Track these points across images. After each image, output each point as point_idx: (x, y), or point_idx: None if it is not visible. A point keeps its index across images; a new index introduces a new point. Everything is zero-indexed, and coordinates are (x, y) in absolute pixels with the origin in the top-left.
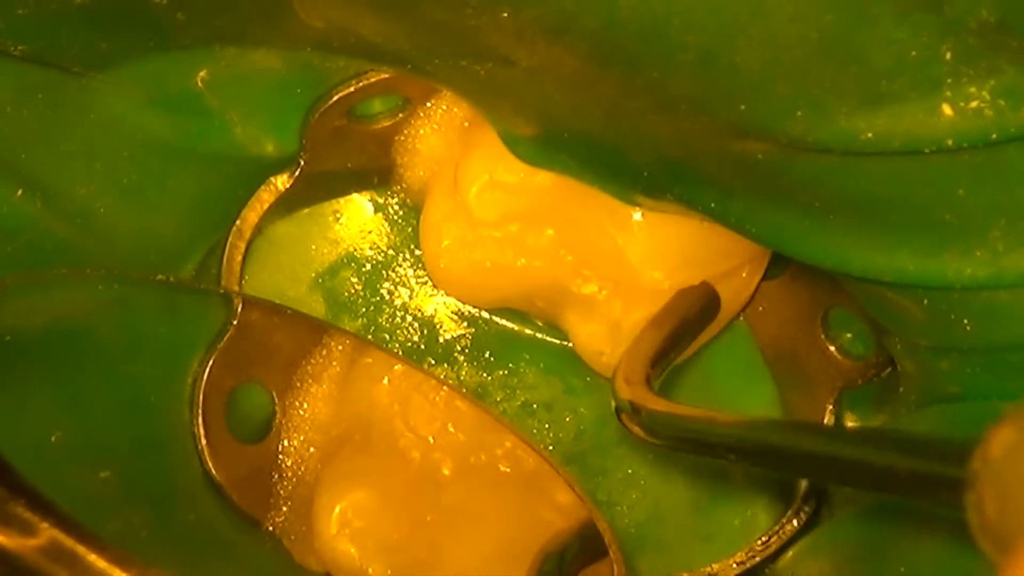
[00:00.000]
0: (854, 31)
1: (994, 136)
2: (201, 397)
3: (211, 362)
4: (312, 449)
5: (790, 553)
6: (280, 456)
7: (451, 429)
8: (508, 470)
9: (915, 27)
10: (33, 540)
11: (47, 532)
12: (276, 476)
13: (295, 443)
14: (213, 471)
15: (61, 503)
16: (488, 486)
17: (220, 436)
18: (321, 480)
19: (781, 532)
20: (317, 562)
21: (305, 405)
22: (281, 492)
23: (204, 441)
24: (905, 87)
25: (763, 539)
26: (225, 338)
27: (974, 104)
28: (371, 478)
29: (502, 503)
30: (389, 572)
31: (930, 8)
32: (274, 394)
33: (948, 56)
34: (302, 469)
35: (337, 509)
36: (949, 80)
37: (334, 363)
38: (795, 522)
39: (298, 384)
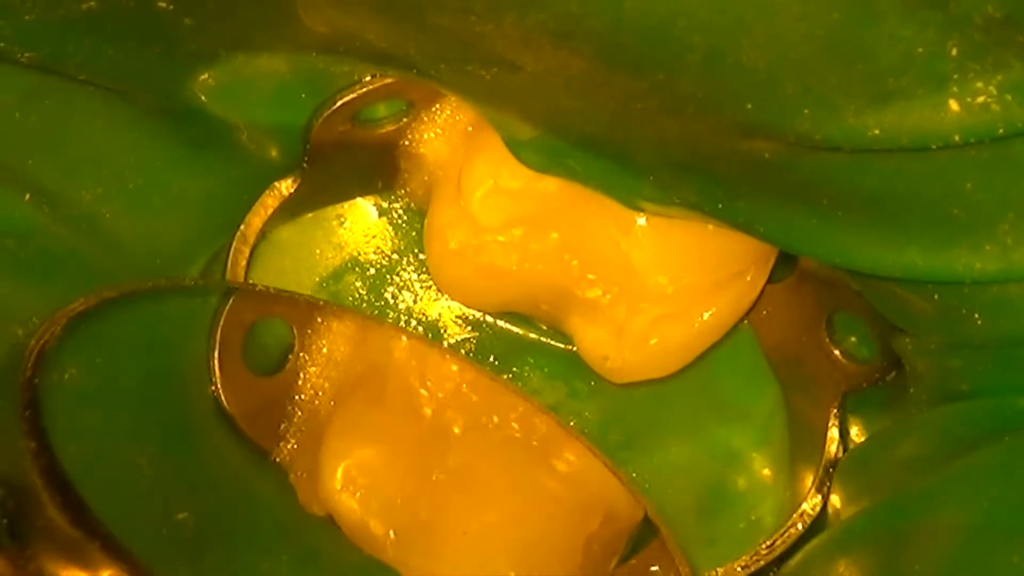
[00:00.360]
0: (860, 29)
1: (1001, 131)
2: (220, 330)
3: (233, 296)
4: (327, 384)
5: (798, 556)
6: (294, 388)
7: (465, 389)
8: (519, 435)
9: (921, 24)
10: None
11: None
12: (289, 408)
13: (311, 376)
14: (225, 403)
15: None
16: (497, 450)
17: (235, 368)
18: (332, 423)
19: (786, 536)
20: (320, 506)
21: (324, 340)
22: (292, 424)
23: (218, 372)
24: (912, 84)
25: (767, 543)
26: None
27: (981, 99)
28: (380, 433)
29: (509, 469)
30: (390, 530)
31: (936, 5)
32: (294, 328)
33: (954, 52)
34: (315, 403)
35: (343, 465)
36: (956, 76)
37: None
38: (799, 525)
39: (319, 319)
